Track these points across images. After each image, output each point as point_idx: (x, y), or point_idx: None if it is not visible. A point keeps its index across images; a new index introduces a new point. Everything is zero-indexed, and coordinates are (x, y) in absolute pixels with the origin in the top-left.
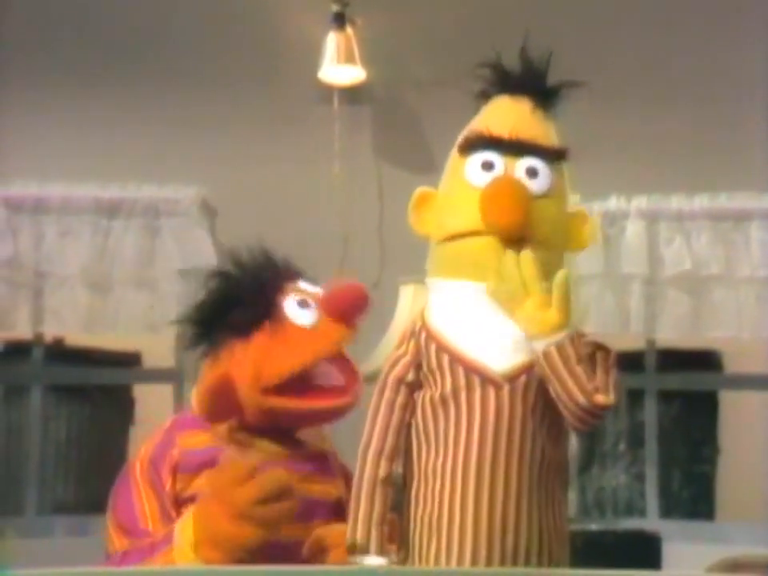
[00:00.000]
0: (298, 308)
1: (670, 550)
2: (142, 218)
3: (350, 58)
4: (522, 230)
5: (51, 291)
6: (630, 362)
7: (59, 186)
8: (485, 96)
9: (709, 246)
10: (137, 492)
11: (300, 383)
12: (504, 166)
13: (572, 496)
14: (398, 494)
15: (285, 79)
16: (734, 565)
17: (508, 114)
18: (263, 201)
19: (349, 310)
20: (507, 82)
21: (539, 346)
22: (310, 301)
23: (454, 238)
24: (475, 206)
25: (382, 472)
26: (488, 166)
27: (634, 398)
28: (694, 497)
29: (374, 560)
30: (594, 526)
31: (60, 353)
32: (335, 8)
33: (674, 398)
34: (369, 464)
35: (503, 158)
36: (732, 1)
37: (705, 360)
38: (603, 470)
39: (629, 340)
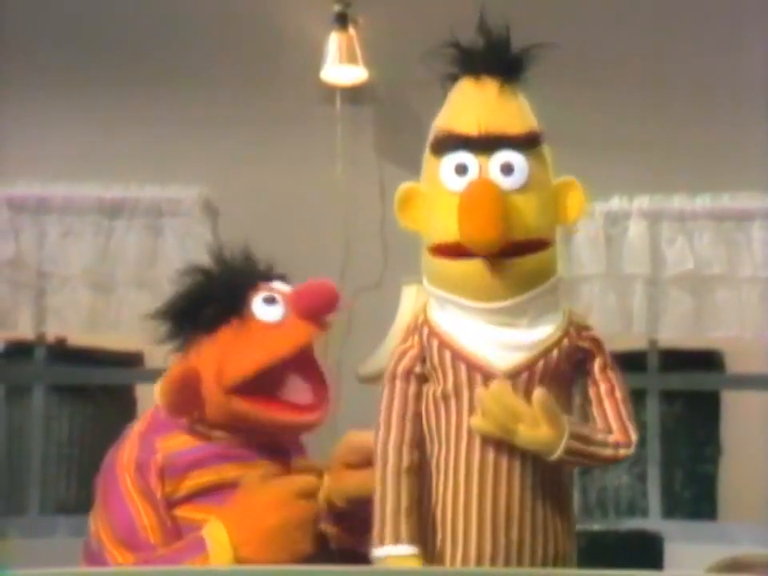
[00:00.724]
0: (264, 304)
1: (672, 550)
2: (144, 218)
3: (352, 58)
4: (501, 241)
5: (53, 291)
6: (632, 362)
7: (62, 186)
8: (451, 79)
9: (711, 246)
10: (132, 504)
11: (269, 394)
12: (478, 167)
13: (574, 496)
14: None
15: (287, 79)
16: (735, 565)
17: (474, 105)
18: (265, 201)
19: (316, 307)
20: (468, 61)
21: (551, 459)
22: (277, 297)
23: (440, 248)
24: (454, 215)
25: (405, 461)
26: (461, 169)
27: (636, 398)
28: (696, 497)
29: (405, 549)
30: (596, 526)
31: (62, 353)
32: (337, 8)
33: (676, 398)
34: (391, 455)
35: (476, 157)
36: (737, 1)
37: (707, 360)
38: (605, 470)
39: (631, 340)
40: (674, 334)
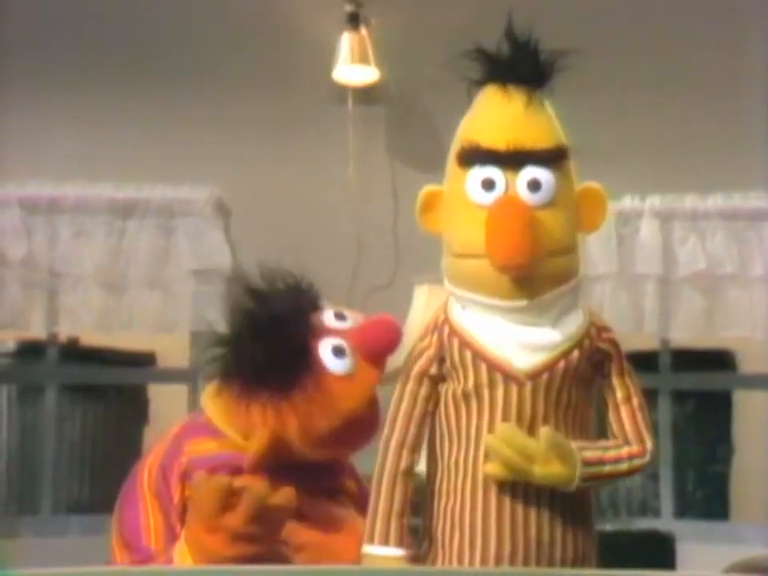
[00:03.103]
0: (334, 357)
1: (684, 551)
2: (156, 218)
3: (363, 58)
4: (530, 266)
5: (66, 291)
6: (643, 361)
7: (74, 186)
8: (475, 85)
9: (723, 246)
10: (143, 505)
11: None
12: (505, 183)
13: None
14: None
15: (299, 79)
16: (751, 566)
17: (502, 118)
18: (277, 201)
19: (385, 353)
20: (496, 70)
21: (569, 489)
22: (344, 347)
23: (462, 255)
24: (479, 230)
25: (403, 464)
26: (488, 184)
27: (648, 397)
28: (708, 497)
29: (392, 552)
30: (608, 526)
31: (74, 353)
32: (349, 8)
33: (687, 398)
34: (390, 455)
35: (503, 173)
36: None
37: (719, 360)
38: None
39: (643, 340)
40: (686, 334)
